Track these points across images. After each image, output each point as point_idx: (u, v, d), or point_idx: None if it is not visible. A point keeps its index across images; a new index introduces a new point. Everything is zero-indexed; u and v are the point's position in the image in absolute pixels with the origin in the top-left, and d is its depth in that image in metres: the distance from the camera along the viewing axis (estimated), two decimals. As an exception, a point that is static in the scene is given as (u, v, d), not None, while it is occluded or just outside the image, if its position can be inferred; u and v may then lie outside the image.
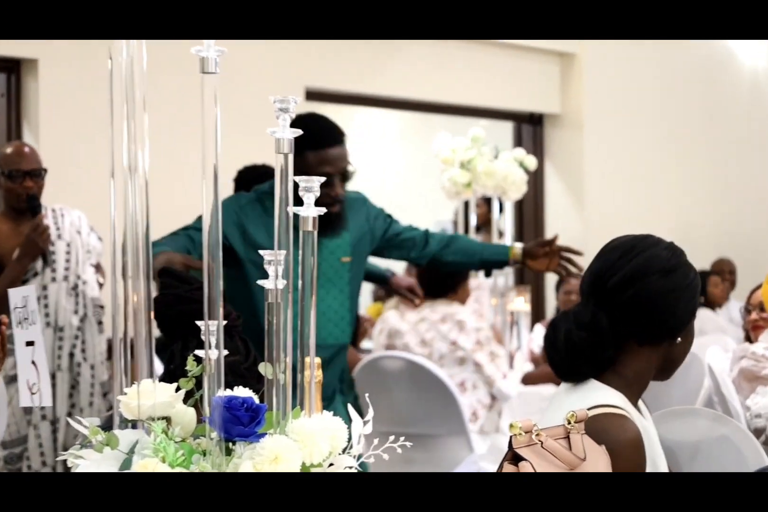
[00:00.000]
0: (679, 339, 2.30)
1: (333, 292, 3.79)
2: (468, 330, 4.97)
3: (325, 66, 6.90)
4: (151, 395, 1.74)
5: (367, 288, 7.91)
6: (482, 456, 4.58)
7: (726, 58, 9.23)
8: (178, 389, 1.77)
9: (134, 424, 1.76)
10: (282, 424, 1.70)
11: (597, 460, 2.07)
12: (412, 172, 10.06)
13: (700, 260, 5.64)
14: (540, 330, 6.07)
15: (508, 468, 1.98)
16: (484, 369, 4.97)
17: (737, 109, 9.27)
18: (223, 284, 1.70)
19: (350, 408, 1.82)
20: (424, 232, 4.02)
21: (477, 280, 6.16)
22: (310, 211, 1.73)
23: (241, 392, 1.72)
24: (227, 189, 4.50)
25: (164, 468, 1.65)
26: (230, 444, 1.68)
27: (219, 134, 1.67)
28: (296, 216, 1.73)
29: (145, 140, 1.75)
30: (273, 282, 1.71)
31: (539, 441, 1.99)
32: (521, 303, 5.89)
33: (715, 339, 4.85)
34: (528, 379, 5.43)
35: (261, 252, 1.71)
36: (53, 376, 4.28)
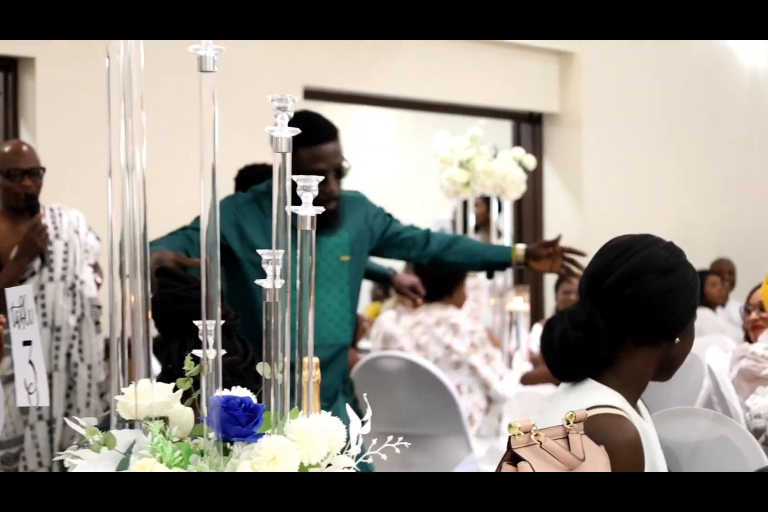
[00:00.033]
0: (678, 339, 2.29)
1: (333, 292, 3.76)
2: (462, 334, 4.96)
3: (323, 65, 6.89)
4: (148, 395, 1.74)
5: (365, 288, 7.90)
6: (481, 458, 4.58)
7: (726, 58, 9.23)
8: (175, 389, 1.77)
9: (131, 424, 1.76)
10: (280, 424, 1.70)
11: (596, 461, 2.06)
12: (410, 171, 10.05)
13: (699, 260, 5.64)
14: (539, 330, 6.07)
15: (507, 468, 1.98)
16: (480, 372, 4.96)
17: (737, 109, 9.27)
18: (221, 283, 1.70)
19: (348, 408, 1.81)
20: (425, 232, 3.98)
21: (475, 280, 6.15)
22: (308, 210, 1.72)
23: (239, 392, 1.71)
24: (227, 188, 4.49)
25: (162, 469, 1.64)
26: (228, 444, 1.68)
27: (217, 133, 1.67)
28: (293, 215, 1.72)
29: (142, 139, 1.75)
30: (271, 281, 1.70)
31: (538, 441, 1.98)
32: (520, 303, 5.88)
33: (715, 340, 4.84)
34: (527, 379, 5.43)
35: (259, 251, 1.71)
36: (50, 376, 4.27)
